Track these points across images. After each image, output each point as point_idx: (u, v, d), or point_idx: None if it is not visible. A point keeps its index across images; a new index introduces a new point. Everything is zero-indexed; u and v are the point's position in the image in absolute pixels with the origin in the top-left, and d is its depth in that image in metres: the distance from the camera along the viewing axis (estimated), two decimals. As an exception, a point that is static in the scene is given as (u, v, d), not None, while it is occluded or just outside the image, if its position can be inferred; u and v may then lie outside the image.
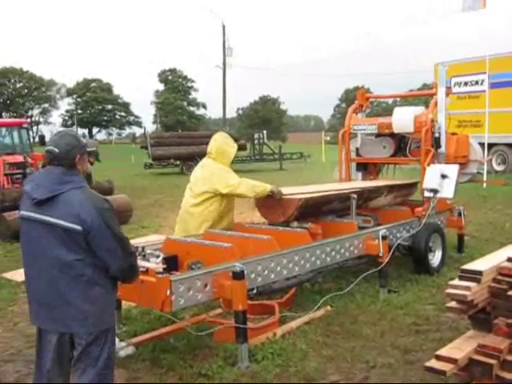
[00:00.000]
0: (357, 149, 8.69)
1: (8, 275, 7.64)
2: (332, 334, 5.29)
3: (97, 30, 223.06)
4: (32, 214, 3.15)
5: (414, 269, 7.18)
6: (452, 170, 7.19)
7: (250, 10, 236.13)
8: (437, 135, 7.53)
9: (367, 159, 8.61)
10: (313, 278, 5.89)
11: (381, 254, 6.22)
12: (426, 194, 7.23)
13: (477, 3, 16.00)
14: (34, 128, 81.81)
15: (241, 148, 30.04)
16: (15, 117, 71.77)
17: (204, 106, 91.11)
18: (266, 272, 5.09)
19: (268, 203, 6.50)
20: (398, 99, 39.01)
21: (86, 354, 3.15)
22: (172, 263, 5.20)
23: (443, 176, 7.10)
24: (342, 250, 6.02)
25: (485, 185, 15.50)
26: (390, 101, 57.19)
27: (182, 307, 4.52)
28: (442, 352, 3.72)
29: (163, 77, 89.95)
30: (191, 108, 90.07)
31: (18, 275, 7.25)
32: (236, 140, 28.18)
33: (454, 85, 19.92)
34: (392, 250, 6.40)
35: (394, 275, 6.92)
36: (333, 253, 5.89)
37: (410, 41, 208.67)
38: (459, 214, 8.21)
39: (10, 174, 13.52)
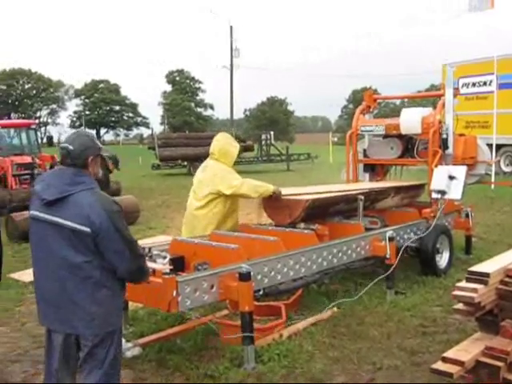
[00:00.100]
0: (364, 150, 8.68)
1: (16, 275, 7.69)
2: (338, 335, 5.28)
3: (104, 31, 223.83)
4: (41, 215, 3.15)
5: (421, 270, 7.15)
6: (460, 171, 7.17)
7: (256, 11, 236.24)
8: (444, 136, 7.51)
9: (374, 160, 8.59)
10: (319, 280, 5.87)
11: (388, 256, 6.21)
12: (434, 195, 7.21)
13: (484, 3, 15.90)
14: (42, 129, 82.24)
15: (248, 149, 30.12)
16: (24, 118, 72.20)
17: (211, 107, 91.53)
18: (272, 273, 5.09)
19: (275, 204, 6.49)
20: (406, 100, 38.88)
21: (91, 355, 3.15)
22: (179, 264, 5.22)
23: (451, 177, 7.08)
24: (349, 252, 6.01)
25: (493, 186, 15.42)
26: (398, 101, 57.16)
27: (188, 308, 4.52)
28: (449, 354, 3.72)
29: (171, 78, 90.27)
30: (199, 109, 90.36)
31: (26, 276, 7.31)
32: (243, 141, 28.09)
33: (462, 86, 19.82)
34: (400, 253, 6.40)
35: (401, 277, 6.90)
36: (339, 254, 5.88)
37: (417, 42, 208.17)
38: (467, 216, 8.17)
39: (18, 175, 13.60)
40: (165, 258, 5.07)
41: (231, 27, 51.47)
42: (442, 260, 7.29)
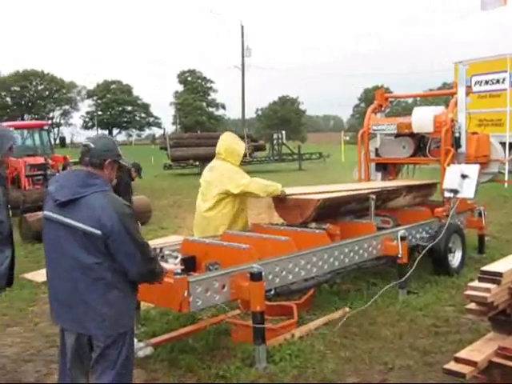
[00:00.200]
0: (376, 149, 8.64)
1: (29, 276, 7.75)
2: (350, 335, 5.26)
3: (116, 32, 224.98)
4: (54, 215, 3.18)
5: (433, 270, 7.11)
6: (472, 169, 7.12)
7: (267, 10, 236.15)
8: (457, 135, 7.46)
9: (386, 159, 8.55)
10: (331, 279, 5.86)
11: (400, 255, 6.18)
12: (447, 194, 7.17)
13: (497, 1, 15.77)
14: (56, 130, 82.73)
15: (260, 148, 30.11)
16: (37, 119, 72.67)
17: (223, 107, 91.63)
18: (283, 273, 5.08)
19: (286, 204, 6.49)
20: (418, 99, 38.70)
21: (103, 356, 3.17)
22: (190, 264, 5.22)
23: (463, 176, 7.03)
24: (361, 251, 5.99)
25: (506, 185, 15.26)
26: (410, 100, 56.86)
27: (199, 308, 4.53)
28: (462, 354, 3.69)
29: (182, 78, 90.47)
30: (210, 109, 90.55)
31: (39, 276, 7.37)
32: (255, 140, 28.05)
33: (475, 83, 19.67)
34: (421, 255, 6.46)
35: (413, 276, 6.86)
36: (351, 254, 5.87)
37: (429, 40, 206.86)
38: (479, 215, 8.12)
39: (31, 176, 13.68)
40: (176, 258, 5.09)
41: (242, 27, 51.52)
42: (455, 259, 7.25)
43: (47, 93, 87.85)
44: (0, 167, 4.23)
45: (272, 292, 4.93)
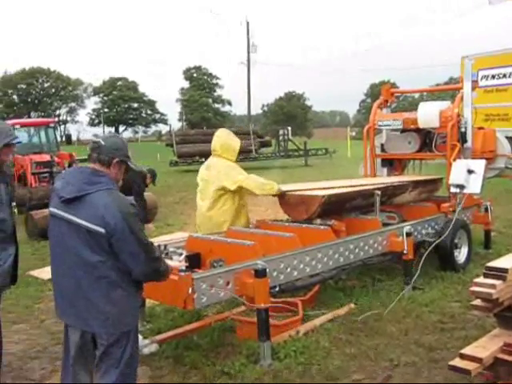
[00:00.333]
0: (382, 144, 8.61)
1: (35, 273, 7.77)
2: (355, 331, 5.25)
3: (121, 29, 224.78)
4: (59, 212, 3.18)
5: (439, 266, 7.08)
6: (479, 165, 7.08)
7: (273, 7, 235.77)
8: (463, 130, 7.42)
9: (392, 155, 8.52)
10: (336, 276, 5.84)
11: (405, 251, 6.15)
12: (453, 189, 7.13)
13: (504, -5, 15.67)
14: (62, 127, 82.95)
15: (266, 144, 30.09)
16: (43, 116, 72.88)
17: (229, 103, 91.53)
18: (288, 269, 5.07)
19: (291, 200, 6.47)
20: (425, 94, 38.53)
21: (107, 354, 3.16)
22: (195, 261, 5.22)
23: (470, 171, 6.99)
24: (366, 247, 5.97)
25: (513, 180, 15.21)
26: (416, 95, 56.62)
27: (204, 305, 4.53)
28: (467, 351, 3.67)
29: (188, 74, 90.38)
30: (216, 105, 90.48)
31: (45, 273, 7.39)
32: (261, 137, 28.07)
33: (481, 78, 19.56)
34: (427, 252, 6.44)
35: (418, 272, 6.83)
36: (356, 250, 5.85)
37: (435, 34, 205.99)
38: (486, 210, 8.08)
39: (38, 173, 13.72)
40: (181, 254, 5.07)
41: (248, 23, 51.45)
42: (461, 255, 7.23)
43: (53, 90, 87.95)
44: (3, 165, 4.22)
45: (277, 289, 4.93)
